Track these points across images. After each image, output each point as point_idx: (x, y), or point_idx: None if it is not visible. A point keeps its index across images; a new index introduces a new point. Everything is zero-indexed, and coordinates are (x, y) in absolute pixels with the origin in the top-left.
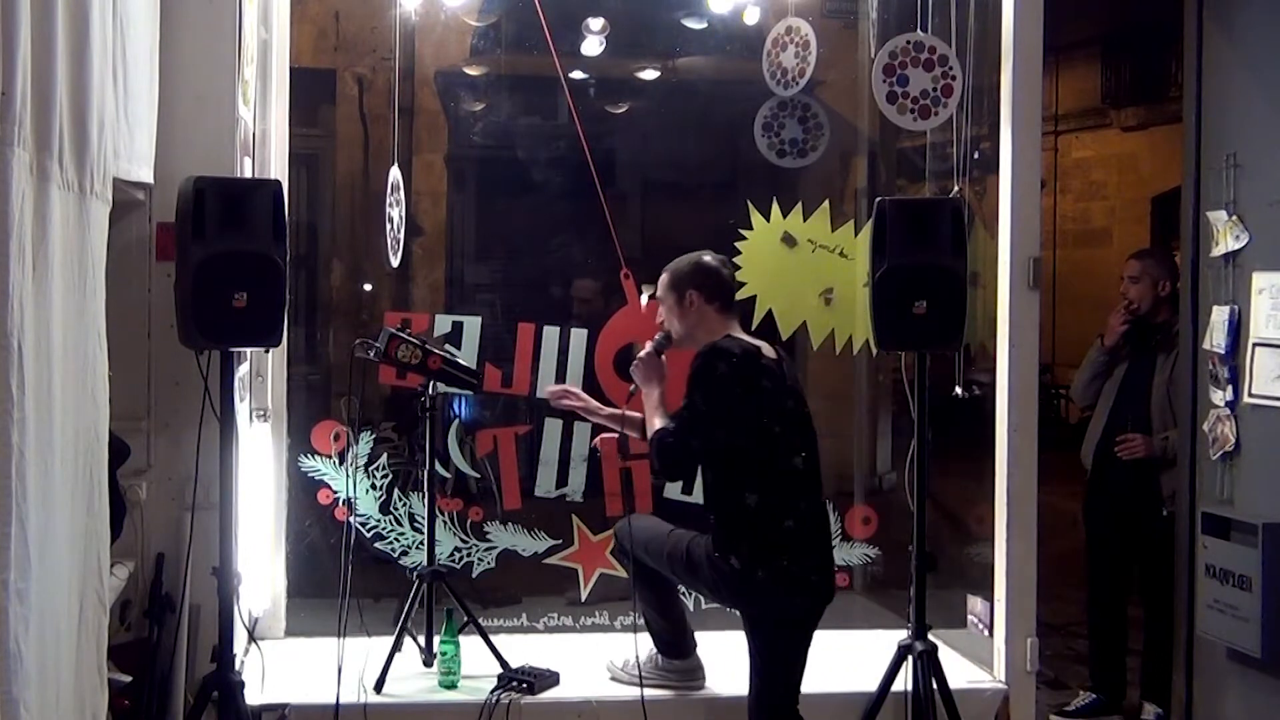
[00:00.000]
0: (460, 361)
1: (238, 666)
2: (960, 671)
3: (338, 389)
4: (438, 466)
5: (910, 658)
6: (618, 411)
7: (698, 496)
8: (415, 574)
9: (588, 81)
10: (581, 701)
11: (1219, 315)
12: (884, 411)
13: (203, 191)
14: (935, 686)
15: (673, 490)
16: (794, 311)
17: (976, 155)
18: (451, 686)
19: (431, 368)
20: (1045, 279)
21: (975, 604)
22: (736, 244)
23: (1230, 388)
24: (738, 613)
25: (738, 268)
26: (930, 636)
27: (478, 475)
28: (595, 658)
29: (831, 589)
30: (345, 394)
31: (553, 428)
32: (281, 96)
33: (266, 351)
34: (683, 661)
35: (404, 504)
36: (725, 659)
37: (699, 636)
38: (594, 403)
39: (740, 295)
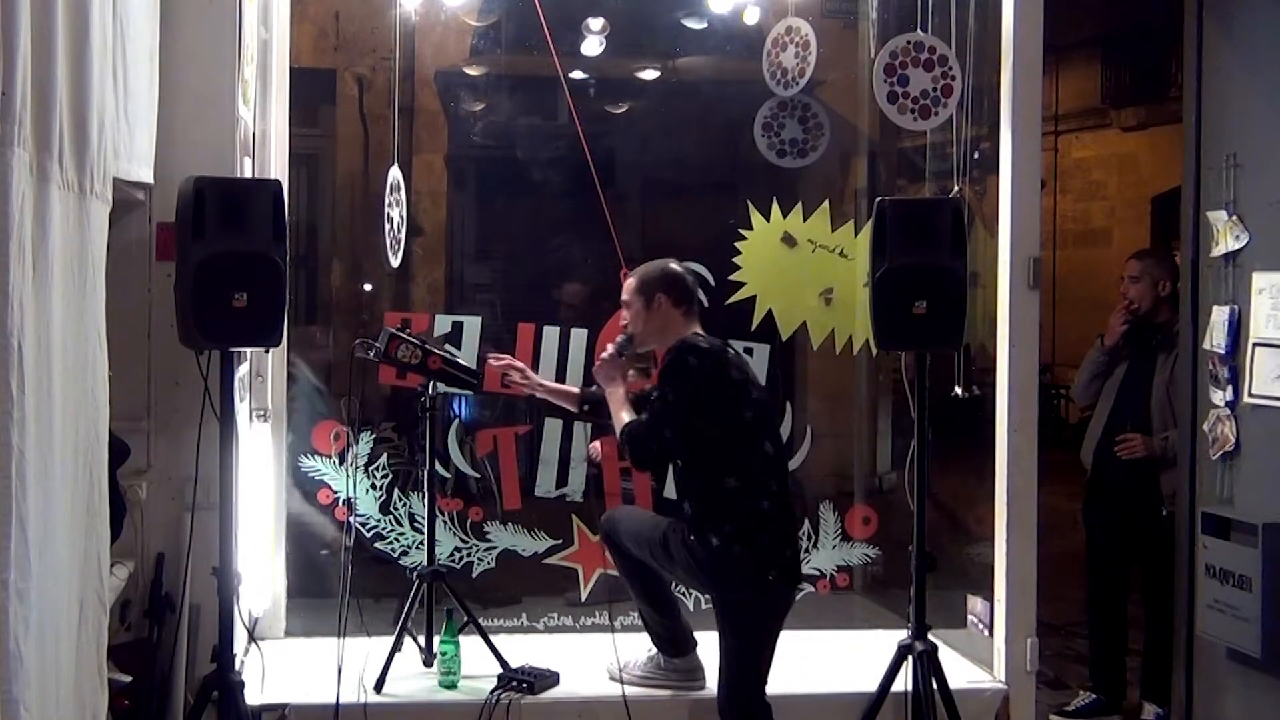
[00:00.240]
0: (460, 361)
1: (238, 666)
2: (960, 671)
3: (338, 389)
4: (438, 466)
5: (910, 658)
6: (559, 387)
7: None
8: (415, 574)
9: (588, 81)
10: (582, 701)
11: (1219, 315)
12: (884, 411)
13: (203, 191)
14: (935, 686)
15: (671, 490)
16: (794, 311)
17: (976, 155)
18: (451, 686)
19: (431, 368)
20: (1045, 279)
21: (975, 604)
22: (736, 244)
23: (1230, 388)
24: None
25: (737, 268)
26: (930, 636)
27: (478, 475)
28: (595, 658)
29: (800, 572)
30: (345, 394)
31: (553, 428)
32: (281, 96)
33: (266, 351)
34: (682, 660)
35: (404, 504)
36: None
37: (699, 636)
38: (535, 376)
39: (740, 295)
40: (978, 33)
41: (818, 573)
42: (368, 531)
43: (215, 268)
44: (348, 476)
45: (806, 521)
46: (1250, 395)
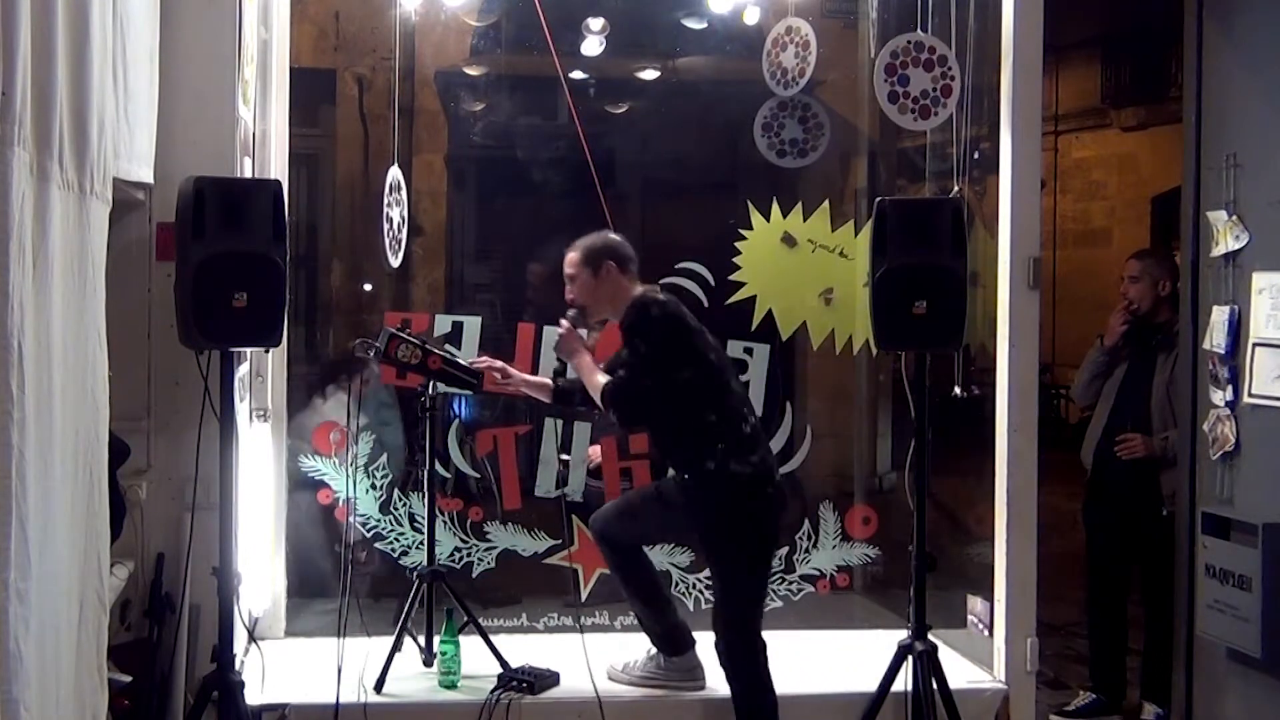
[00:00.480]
0: (460, 361)
1: (238, 666)
2: (960, 671)
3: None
4: (438, 466)
5: (910, 658)
6: (535, 379)
7: None
8: (415, 574)
9: (588, 81)
10: (582, 701)
11: (1219, 315)
12: (884, 411)
13: (203, 191)
14: (935, 686)
15: None
16: (794, 311)
17: (976, 155)
18: (451, 686)
19: (431, 368)
20: (1045, 279)
21: (975, 604)
22: (736, 244)
23: (1230, 388)
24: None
25: (737, 268)
26: (930, 636)
27: (478, 475)
28: (595, 658)
29: (787, 498)
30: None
31: (553, 428)
32: (281, 96)
33: (266, 351)
34: (681, 659)
35: (404, 504)
36: None
37: (697, 636)
38: (516, 373)
39: (740, 295)
40: (978, 33)
41: (818, 573)
42: (368, 531)
43: (215, 268)
44: (348, 476)
45: (806, 521)
46: (1250, 395)
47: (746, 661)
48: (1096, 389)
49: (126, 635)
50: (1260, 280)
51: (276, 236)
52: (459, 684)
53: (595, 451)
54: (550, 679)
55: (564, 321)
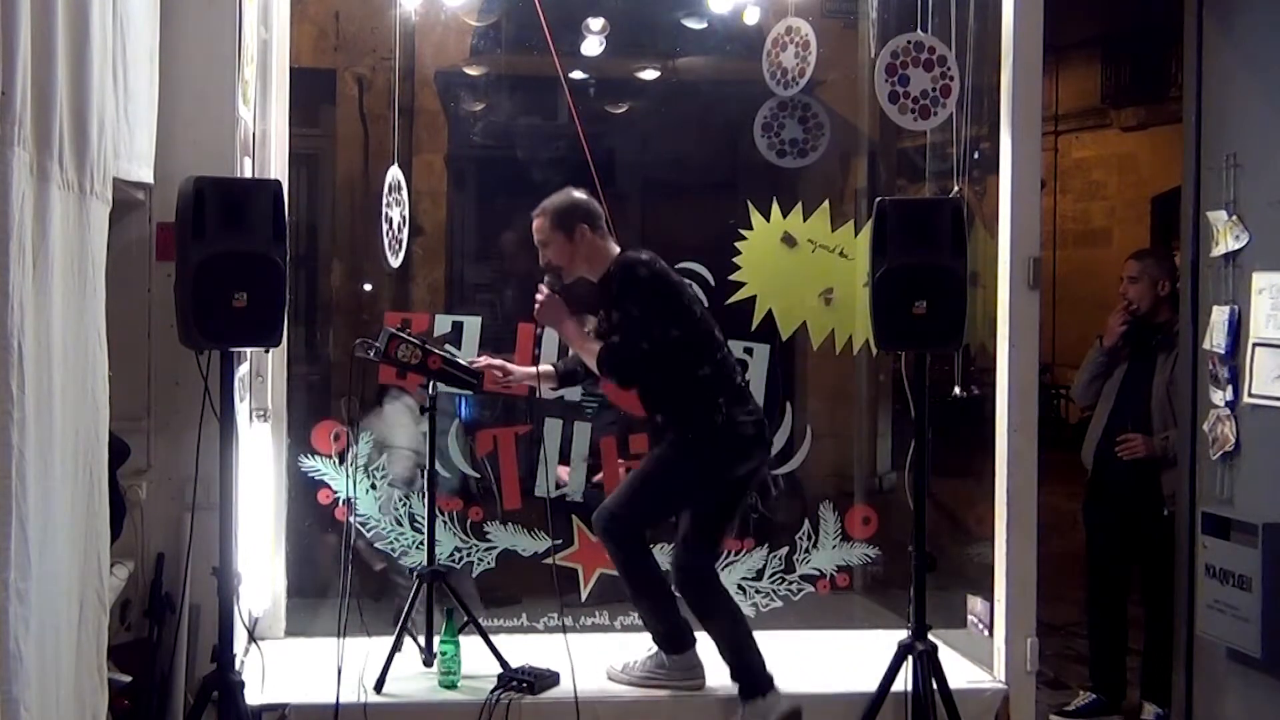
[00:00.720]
0: (460, 361)
1: (238, 666)
2: (960, 671)
3: (337, 389)
4: (438, 466)
5: (910, 658)
6: (535, 370)
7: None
8: (415, 574)
9: (588, 81)
10: (582, 701)
11: (1219, 315)
12: (884, 411)
13: (203, 191)
14: (935, 686)
15: None
16: (794, 311)
17: (976, 155)
18: (451, 686)
19: (431, 368)
20: (1045, 279)
21: (975, 604)
22: (736, 244)
23: (1230, 388)
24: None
25: (737, 268)
26: (930, 636)
27: (478, 475)
28: (595, 658)
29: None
30: (345, 394)
31: (553, 428)
32: (281, 96)
33: (266, 351)
34: (682, 657)
35: (404, 504)
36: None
37: (697, 636)
38: (514, 368)
39: (740, 295)
40: (978, 33)
41: (818, 573)
42: (368, 531)
43: (215, 268)
44: (348, 476)
45: (806, 521)
46: (1250, 395)
47: (723, 596)
48: (1096, 390)
49: (126, 635)
50: (1260, 280)
51: (276, 236)
52: (459, 684)
53: (564, 472)
54: (550, 679)
55: (542, 287)
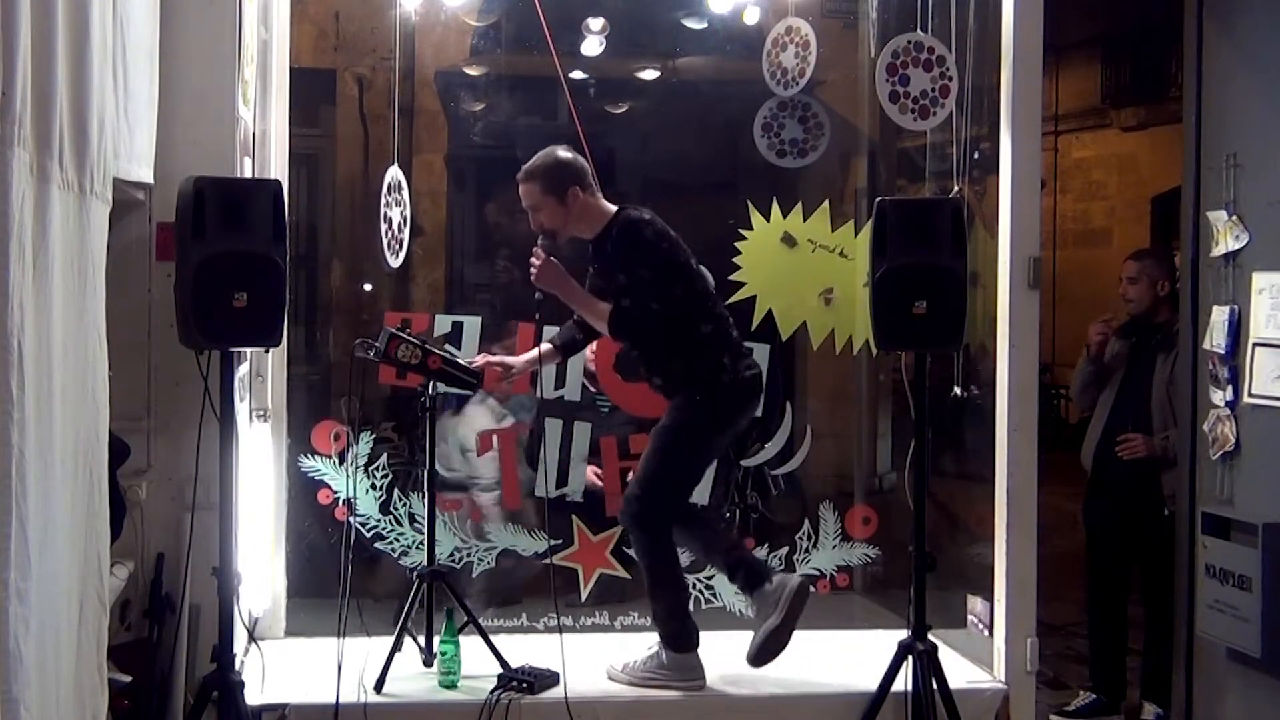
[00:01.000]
0: (460, 361)
1: (238, 666)
2: (960, 671)
3: (338, 389)
4: (438, 466)
5: (910, 658)
6: (534, 354)
7: (698, 496)
8: (415, 574)
9: (588, 81)
10: (582, 701)
11: (1219, 315)
12: (884, 411)
13: (203, 191)
14: (935, 686)
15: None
16: (794, 311)
17: (976, 155)
18: (451, 686)
19: (431, 368)
20: (1045, 279)
21: (975, 604)
22: (736, 244)
23: (1230, 388)
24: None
25: (737, 268)
26: (930, 636)
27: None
28: (595, 658)
29: None
30: (345, 394)
31: (553, 428)
32: (281, 96)
33: (266, 351)
34: (684, 657)
35: (404, 504)
36: (725, 659)
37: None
38: (513, 360)
39: (740, 295)
40: (978, 33)
41: (818, 573)
42: (368, 531)
43: (215, 268)
44: (348, 476)
45: (806, 521)
46: (1250, 395)
47: (667, 535)
48: (1092, 396)
49: (126, 635)
50: (1260, 280)
51: (276, 236)
52: (459, 684)
53: (592, 472)
54: (550, 679)
55: (538, 250)
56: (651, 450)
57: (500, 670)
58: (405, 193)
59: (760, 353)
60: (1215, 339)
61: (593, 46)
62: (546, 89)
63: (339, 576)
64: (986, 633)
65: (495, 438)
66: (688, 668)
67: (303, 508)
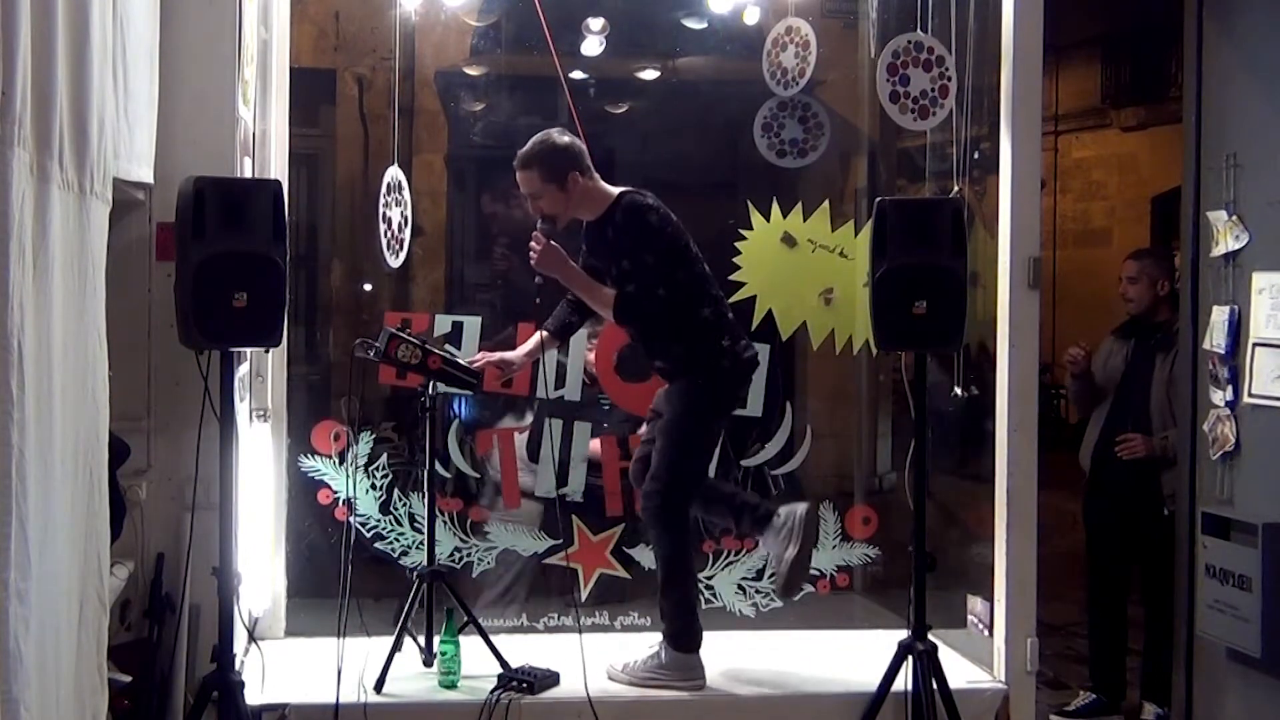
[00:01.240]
0: (460, 361)
1: (238, 666)
2: (960, 671)
3: (337, 389)
4: (438, 466)
5: (910, 658)
6: (531, 345)
7: None
8: (415, 574)
9: (588, 81)
10: (582, 701)
11: (1219, 315)
12: (884, 411)
13: (203, 191)
14: (935, 686)
15: None
16: (794, 311)
17: (976, 155)
18: (451, 686)
19: (431, 368)
20: (1045, 279)
21: (975, 604)
22: (736, 244)
23: (1230, 388)
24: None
25: (737, 268)
26: (930, 636)
27: (478, 475)
28: (595, 658)
29: None
30: (345, 394)
31: (553, 428)
32: (281, 96)
33: (266, 351)
34: (685, 657)
35: (404, 504)
36: (725, 659)
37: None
38: (512, 355)
39: (740, 295)
40: (978, 33)
41: (818, 573)
42: (368, 531)
43: (215, 268)
44: (348, 476)
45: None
46: (1250, 395)
47: (687, 529)
48: (1087, 405)
49: (126, 635)
50: (1260, 280)
51: (276, 236)
52: (459, 684)
53: (595, 445)
54: (550, 679)
55: (537, 235)
56: (663, 445)
57: (500, 670)
58: (405, 193)
59: (760, 353)
60: (1215, 339)
61: (593, 46)
62: (546, 89)
63: (339, 576)
64: (986, 633)
65: (495, 437)
66: (688, 668)
67: (303, 508)
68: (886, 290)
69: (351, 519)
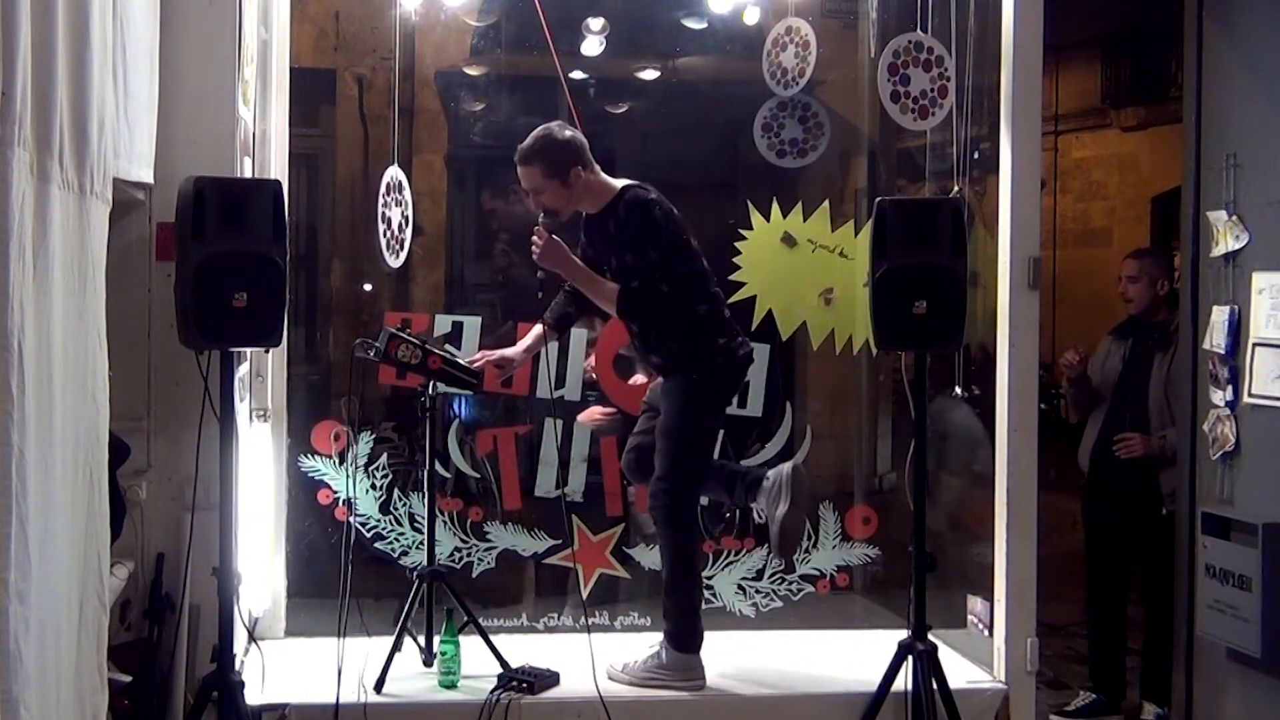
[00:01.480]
0: (460, 361)
1: (238, 666)
2: (960, 671)
3: (337, 389)
4: (438, 466)
5: (910, 658)
6: (530, 340)
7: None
8: (415, 574)
9: (588, 81)
10: (582, 701)
11: (1219, 315)
12: (884, 411)
13: (203, 191)
14: (935, 686)
15: None
16: (794, 311)
17: (976, 155)
18: (451, 686)
19: (431, 368)
20: (1045, 279)
21: (975, 604)
22: (736, 244)
23: (1230, 388)
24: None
25: (737, 268)
26: (930, 636)
27: (478, 475)
28: (595, 658)
29: None
30: (345, 394)
31: (553, 427)
32: (281, 96)
33: (266, 351)
34: (686, 657)
35: (404, 504)
36: (725, 659)
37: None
38: (511, 352)
39: (740, 295)
40: (977, 33)
41: (818, 573)
42: (368, 531)
43: (215, 268)
44: (348, 476)
45: (806, 521)
46: (1250, 395)
47: (695, 528)
48: (1085, 408)
49: (126, 635)
50: (1260, 280)
51: (276, 236)
52: (459, 684)
53: (593, 413)
54: (550, 679)
55: (539, 229)
56: (664, 445)
57: (500, 670)
58: (406, 192)
59: (760, 353)
60: (1215, 339)
61: (593, 46)
62: (546, 89)
63: (339, 576)
64: (986, 633)
65: (495, 437)
66: (688, 668)
67: (303, 508)
68: (886, 290)
69: (351, 519)
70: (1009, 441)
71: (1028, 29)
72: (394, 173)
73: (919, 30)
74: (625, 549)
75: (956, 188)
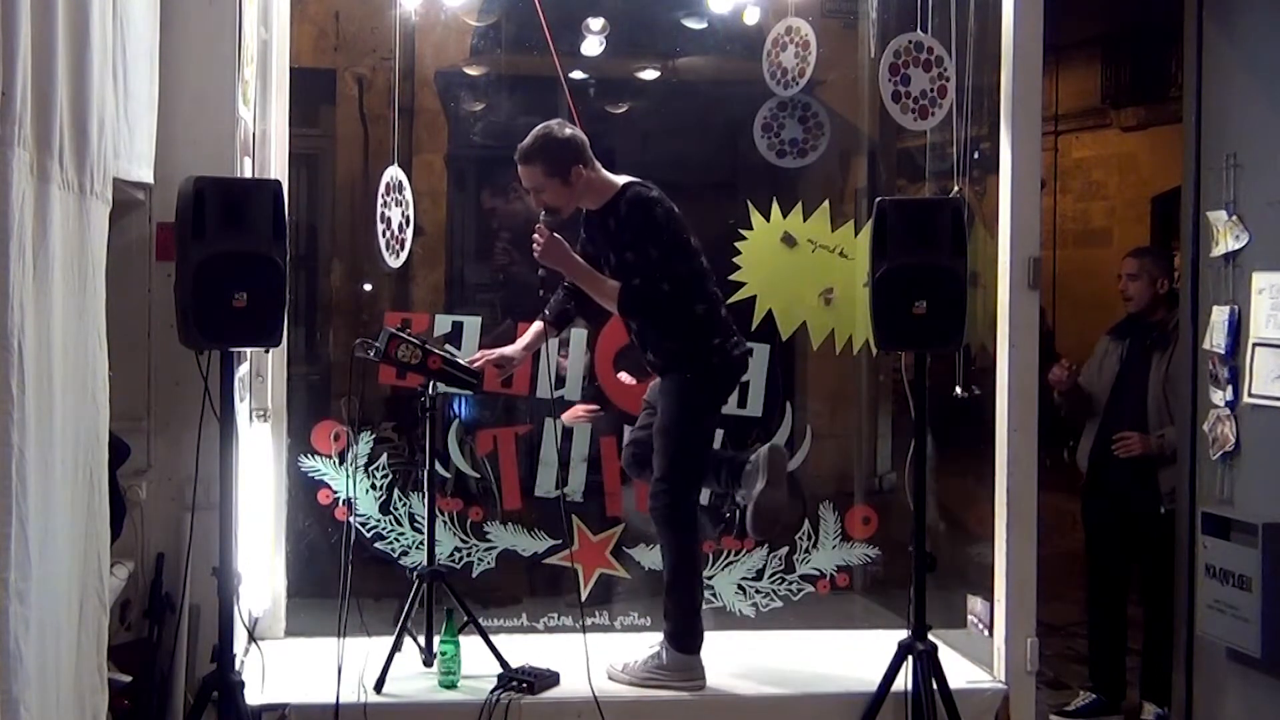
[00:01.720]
0: (460, 361)
1: (238, 666)
2: (960, 671)
3: (337, 389)
4: (438, 466)
5: (910, 658)
6: (528, 337)
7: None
8: (415, 574)
9: (588, 81)
10: (582, 701)
11: (1219, 315)
12: (884, 411)
13: (203, 191)
14: (935, 686)
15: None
16: (794, 311)
17: (976, 155)
18: (451, 686)
19: (431, 368)
20: (1045, 279)
21: (975, 604)
22: (736, 244)
23: (1230, 388)
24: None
25: (737, 268)
26: (930, 636)
27: (478, 475)
28: (595, 658)
29: None
30: (345, 394)
31: (553, 428)
32: (281, 96)
33: (266, 351)
34: (686, 658)
35: (404, 504)
36: (725, 659)
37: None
38: (510, 350)
39: (740, 295)
40: (977, 33)
41: (818, 573)
42: (368, 531)
43: (215, 268)
44: (348, 476)
45: (806, 521)
46: (1250, 395)
47: (695, 528)
48: (1080, 416)
49: (126, 635)
50: (1260, 280)
51: (276, 236)
52: (459, 684)
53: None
54: (550, 679)
55: (540, 227)
56: (662, 445)
57: (500, 670)
58: (406, 192)
59: (760, 353)
60: (1215, 339)
61: (593, 46)
62: (546, 89)
63: (339, 576)
64: (986, 633)
65: (495, 437)
66: (688, 669)
67: (303, 508)
68: (886, 290)
69: (351, 519)
70: (1009, 441)
71: (1028, 29)
72: (394, 173)
73: (919, 30)
74: (625, 549)
75: (956, 188)
